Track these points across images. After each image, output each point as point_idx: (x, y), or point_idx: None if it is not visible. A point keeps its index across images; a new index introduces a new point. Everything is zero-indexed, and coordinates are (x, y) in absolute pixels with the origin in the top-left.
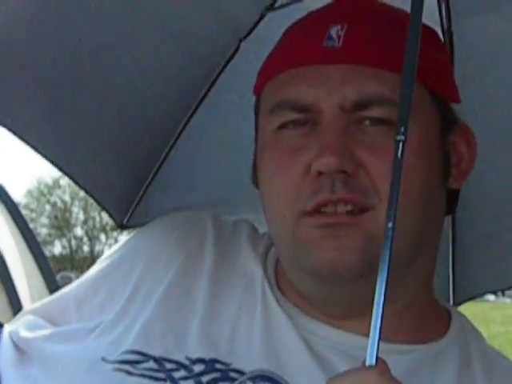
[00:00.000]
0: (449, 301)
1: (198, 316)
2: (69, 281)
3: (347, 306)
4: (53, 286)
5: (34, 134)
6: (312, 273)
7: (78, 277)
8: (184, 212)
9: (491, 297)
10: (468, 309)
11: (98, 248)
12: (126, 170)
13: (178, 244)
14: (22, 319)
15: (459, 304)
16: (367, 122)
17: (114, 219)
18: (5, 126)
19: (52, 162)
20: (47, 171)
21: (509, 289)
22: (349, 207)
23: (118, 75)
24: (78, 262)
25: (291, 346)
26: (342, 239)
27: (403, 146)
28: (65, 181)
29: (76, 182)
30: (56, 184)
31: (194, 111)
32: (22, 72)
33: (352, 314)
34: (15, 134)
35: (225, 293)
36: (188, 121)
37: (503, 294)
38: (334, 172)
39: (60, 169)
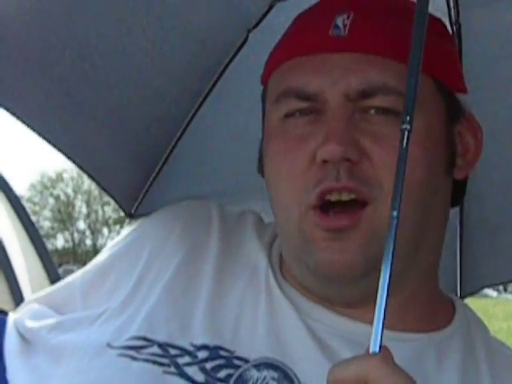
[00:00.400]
0: (456, 292)
1: (203, 303)
2: (71, 274)
3: (351, 300)
4: (55, 280)
5: (44, 124)
6: (314, 270)
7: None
8: (190, 201)
9: (493, 293)
10: (470, 305)
11: (100, 241)
12: (134, 160)
13: (184, 232)
14: (27, 308)
15: (467, 295)
16: (372, 111)
17: (122, 208)
18: (15, 115)
19: (61, 152)
20: (50, 165)
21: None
22: (353, 195)
23: (126, 65)
24: (81, 256)
25: (295, 333)
26: (344, 241)
27: (408, 135)
28: (68, 174)
29: (85, 171)
30: (59, 177)
31: (203, 101)
32: (29, 62)
33: (357, 304)
34: (26, 124)
35: (229, 281)
36: (196, 111)
37: (505, 290)
38: (338, 160)
39: (69, 158)
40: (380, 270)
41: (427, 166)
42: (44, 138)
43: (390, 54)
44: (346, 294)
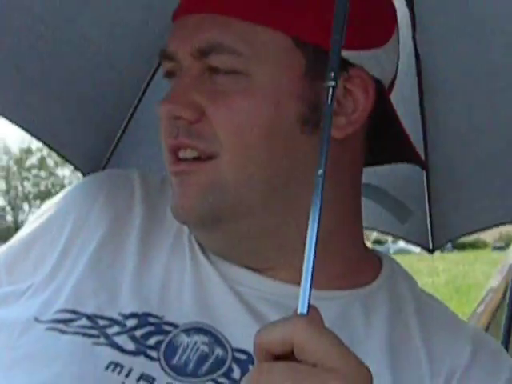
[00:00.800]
0: (428, 245)
1: (129, 272)
2: None
3: (239, 256)
4: None
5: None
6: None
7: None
8: (111, 170)
9: (417, 249)
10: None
11: (21, 217)
12: (93, 128)
13: (107, 202)
14: None
15: (439, 247)
16: (218, 71)
17: None
18: None
19: (20, 126)
20: None
21: (477, 232)
22: (195, 153)
23: (73, 34)
24: (2, 232)
25: (222, 297)
26: (185, 187)
27: (333, 91)
28: None
29: (46, 144)
30: None
31: (158, 67)
32: None
33: (261, 264)
34: None
35: (155, 248)
36: (153, 76)
37: None
38: (172, 118)
39: (28, 131)
40: (232, 220)
41: (267, 123)
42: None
43: (238, 13)
44: (215, 243)
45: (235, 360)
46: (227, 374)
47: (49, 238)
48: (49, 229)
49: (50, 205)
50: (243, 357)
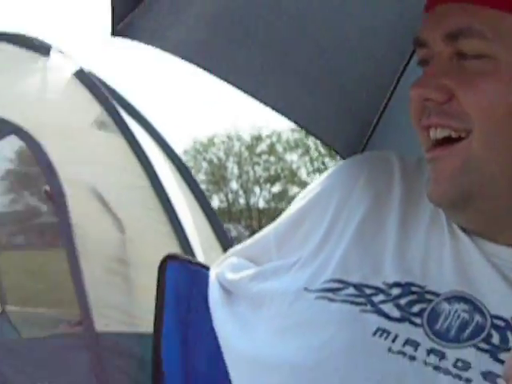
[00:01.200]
0: None
1: (391, 246)
2: (228, 232)
3: (494, 232)
4: (223, 238)
5: (266, 91)
6: None
7: (235, 228)
8: (370, 153)
9: None
10: None
11: (252, 200)
12: (351, 116)
13: (368, 182)
14: (226, 262)
15: None
16: (465, 57)
17: None
18: (231, 82)
19: (280, 112)
20: (201, 131)
21: None
22: (446, 132)
23: (335, 32)
24: (235, 214)
25: (480, 268)
26: (437, 172)
27: None
28: (218, 139)
29: (307, 130)
30: (211, 142)
31: (410, 58)
32: (248, 36)
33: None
34: (250, 94)
35: (413, 225)
36: (406, 65)
37: None
38: (421, 100)
39: (287, 117)
40: (481, 198)
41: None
42: (267, 104)
43: (486, 2)
44: (465, 221)
45: (494, 326)
46: (487, 340)
47: (315, 215)
48: (315, 207)
49: (314, 186)
50: (501, 323)
